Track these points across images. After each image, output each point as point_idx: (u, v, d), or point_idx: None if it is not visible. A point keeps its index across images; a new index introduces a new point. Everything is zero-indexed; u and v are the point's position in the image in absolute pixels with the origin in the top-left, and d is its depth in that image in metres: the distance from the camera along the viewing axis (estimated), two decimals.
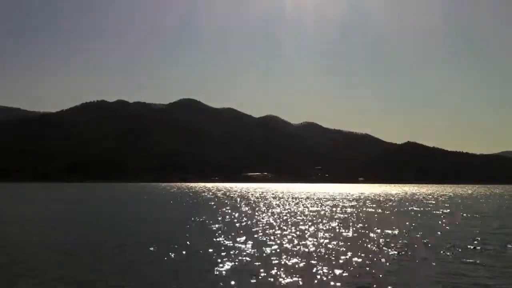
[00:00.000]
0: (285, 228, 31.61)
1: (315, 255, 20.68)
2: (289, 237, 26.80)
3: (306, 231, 29.60)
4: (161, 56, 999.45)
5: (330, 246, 23.46)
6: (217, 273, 17.15)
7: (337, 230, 30.35)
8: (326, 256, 20.56)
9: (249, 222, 35.73)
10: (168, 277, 16.56)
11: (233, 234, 28.05)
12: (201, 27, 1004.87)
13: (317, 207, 56.05)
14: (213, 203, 65.95)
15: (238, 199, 77.30)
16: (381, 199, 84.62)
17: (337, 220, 37.97)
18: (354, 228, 31.82)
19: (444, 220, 39.49)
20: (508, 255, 21.28)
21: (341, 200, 76.33)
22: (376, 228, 31.70)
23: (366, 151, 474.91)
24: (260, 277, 16.41)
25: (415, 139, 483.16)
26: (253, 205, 60.56)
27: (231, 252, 21.35)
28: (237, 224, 34.16)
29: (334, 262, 19.04)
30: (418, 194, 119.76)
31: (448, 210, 52.94)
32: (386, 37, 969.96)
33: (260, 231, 29.84)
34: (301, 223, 35.39)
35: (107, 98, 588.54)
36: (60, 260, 19.67)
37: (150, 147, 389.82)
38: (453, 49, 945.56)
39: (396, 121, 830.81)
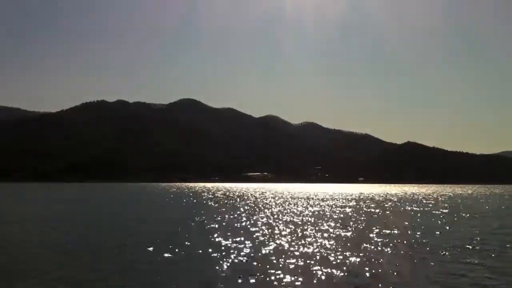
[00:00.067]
0: (284, 228, 31.62)
1: (314, 255, 20.69)
2: (288, 237, 26.82)
3: (305, 231, 29.61)
4: (161, 56, 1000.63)
5: (329, 246, 23.48)
6: (217, 273, 17.17)
7: (337, 230, 30.37)
8: (325, 256, 20.58)
9: (248, 222, 35.75)
10: (168, 277, 16.58)
11: (232, 234, 28.06)
12: (201, 27, 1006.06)
13: (317, 207, 56.06)
14: (212, 203, 65.96)
15: (238, 199, 77.32)
16: (381, 199, 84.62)
17: (337, 220, 37.99)
18: (353, 228, 31.84)
19: (443, 220, 39.51)
20: (508, 255, 21.29)
21: (340, 200, 76.33)
22: (375, 228, 31.72)
23: (366, 151, 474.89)
24: (259, 277, 16.42)
25: (415, 139, 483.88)
26: (253, 205, 60.57)
27: (231, 252, 21.37)
28: (237, 224, 34.18)
29: (333, 262, 19.06)
30: (418, 194, 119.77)
31: (448, 210, 52.95)
32: (386, 37, 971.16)
33: (259, 231, 29.86)
34: (300, 223, 35.40)
35: (107, 98, 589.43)
36: (60, 260, 19.69)
37: (150, 147, 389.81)
38: (453, 49, 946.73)
39: (396, 121, 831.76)
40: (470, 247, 23.57)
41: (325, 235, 27.90)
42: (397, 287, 15.32)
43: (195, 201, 72.91)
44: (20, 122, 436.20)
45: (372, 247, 23.36)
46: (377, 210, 51.82)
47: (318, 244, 24.07)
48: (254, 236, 27.27)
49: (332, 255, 20.83)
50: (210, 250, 21.92)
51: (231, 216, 41.56)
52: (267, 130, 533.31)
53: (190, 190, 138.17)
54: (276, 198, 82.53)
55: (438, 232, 29.98)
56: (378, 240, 25.91)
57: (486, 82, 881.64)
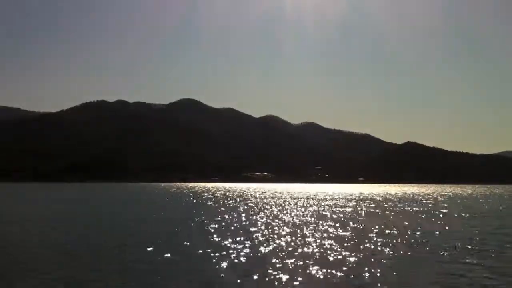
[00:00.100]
0: (284, 228, 31.64)
1: (313, 255, 20.72)
2: (288, 237, 26.84)
3: (305, 231, 29.63)
4: (161, 56, 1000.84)
5: (328, 246, 23.50)
6: (217, 273, 17.19)
7: (336, 230, 30.39)
8: (325, 256, 20.60)
9: (248, 222, 35.77)
10: (168, 277, 16.61)
11: (232, 234, 28.09)
12: (201, 27, 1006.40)
13: (316, 207, 56.08)
14: (212, 203, 65.99)
15: (238, 199, 77.34)
16: (381, 199, 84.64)
17: (336, 220, 38.01)
18: (353, 228, 31.85)
19: (443, 220, 39.53)
20: (507, 256, 21.30)
21: (340, 200, 76.36)
22: (375, 228, 31.75)
23: (366, 151, 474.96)
24: (259, 277, 16.45)
25: (415, 139, 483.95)
26: (252, 205, 60.59)
27: (230, 252, 21.40)
28: (236, 224, 34.20)
29: (332, 262, 19.08)
30: (418, 194, 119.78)
31: (447, 210, 52.97)
32: (386, 37, 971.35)
33: (259, 231, 29.89)
34: (300, 223, 35.43)
35: (107, 98, 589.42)
36: (60, 260, 19.71)
37: (150, 147, 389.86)
38: (453, 49, 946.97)
39: (396, 121, 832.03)
40: (470, 247, 23.59)
41: (325, 235, 27.92)
42: (397, 287, 15.35)
43: (195, 201, 72.94)
44: (20, 122, 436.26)
45: (372, 247, 23.38)
46: (377, 210, 51.84)
47: (318, 244, 24.09)
48: (254, 236, 27.30)
49: (332, 255, 20.86)
50: (209, 250, 21.95)
51: (231, 216, 41.58)
52: (267, 130, 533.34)
53: (190, 190, 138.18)
54: (276, 198, 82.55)
55: (437, 232, 30.00)
56: (378, 240, 25.93)
57: (486, 82, 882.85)
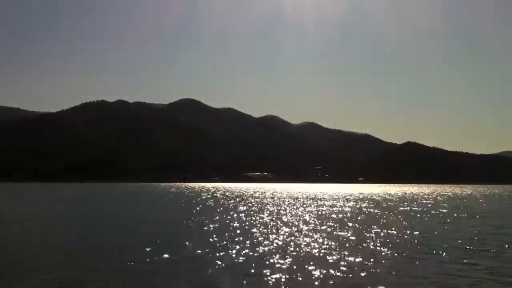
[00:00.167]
0: (283, 228, 31.66)
1: (312, 255, 20.75)
2: (287, 237, 26.86)
3: (304, 231, 29.65)
4: (161, 56, 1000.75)
5: (328, 246, 23.52)
6: (216, 273, 17.22)
7: (336, 230, 30.41)
8: (324, 256, 20.63)
9: (247, 223, 35.79)
10: (167, 277, 16.63)
11: (231, 234, 28.12)
12: (201, 27, 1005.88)
13: (316, 207, 56.10)
14: (212, 203, 66.01)
15: (237, 199, 77.37)
16: (381, 199, 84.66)
17: (336, 220, 38.03)
18: (352, 228, 31.87)
19: (442, 220, 39.55)
20: (507, 256, 21.33)
21: (340, 200, 76.38)
22: (374, 228, 31.77)
23: (366, 151, 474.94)
24: (259, 277, 16.48)
25: (415, 139, 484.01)
26: (252, 205, 60.60)
27: (230, 252, 21.43)
28: (236, 225, 34.22)
29: (331, 262, 19.10)
30: (417, 194, 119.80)
31: (447, 210, 52.99)
32: (386, 37, 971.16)
33: (258, 231, 29.91)
34: (299, 223, 35.44)
35: (107, 98, 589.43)
36: (60, 260, 19.74)
37: (150, 147, 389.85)
38: (453, 49, 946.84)
39: (396, 121, 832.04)
40: (469, 247, 23.61)
41: (324, 235, 27.94)
42: (396, 287, 15.37)
43: (194, 201, 72.97)
44: (20, 122, 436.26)
45: (371, 247, 23.41)
46: (377, 210, 51.86)
47: (317, 244, 24.11)
48: (253, 236, 27.32)
49: (331, 255, 20.88)
50: (209, 250, 21.97)
51: (230, 216, 41.61)
52: (267, 130, 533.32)
53: (190, 190, 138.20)
54: (276, 198, 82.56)
55: (437, 232, 30.02)
56: (377, 240, 25.95)
57: (486, 82, 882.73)
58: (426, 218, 41.84)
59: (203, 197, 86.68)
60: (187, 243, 24.30)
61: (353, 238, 26.78)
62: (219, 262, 19.12)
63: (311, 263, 18.92)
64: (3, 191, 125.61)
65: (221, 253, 21.10)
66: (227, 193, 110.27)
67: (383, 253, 21.60)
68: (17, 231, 30.49)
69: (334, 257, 20.27)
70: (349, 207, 58.03)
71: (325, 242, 24.74)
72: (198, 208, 54.22)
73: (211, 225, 33.54)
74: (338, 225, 34.18)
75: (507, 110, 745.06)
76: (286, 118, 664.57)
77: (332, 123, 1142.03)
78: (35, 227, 33.24)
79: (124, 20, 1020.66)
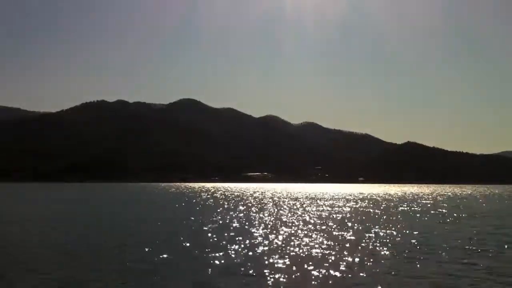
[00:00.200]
0: (283, 228, 31.67)
1: (312, 255, 20.77)
2: (287, 237, 26.87)
3: (304, 231, 29.67)
4: (161, 56, 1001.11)
5: (327, 246, 23.54)
6: (216, 273, 17.24)
7: (335, 230, 30.43)
8: (323, 256, 20.65)
9: (247, 223, 35.81)
10: (167, 277, 16.65)
11: (231, 234, 28.14)
12: (201, 27, 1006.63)
13: (315, 207, 56.12)
14: (212, 203, 66.03)
15: (237, 199, 77.39)
16: (380, 199, 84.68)
17: (335, 220, 38.05)
18: (351, 228, 31.89)
19: (442, 220, 39.56)
20: (506, 256, 21.34)
21: (340, 200, 76.39)
22: (374, 228, 31.80)
23: (366, 151, 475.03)
24: (258, 277, 16.49)
25: (415, 139, 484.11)
26: (251, 205, 60.62)
27: (229, 252, 21.45)
28: (236, 225, 34.24)
29: (331, 262, 19.12)
30: (417, 194, 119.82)
31: (447, 210, 53.00)
32: (386, 37, 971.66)
33: (258, 231, 29.93)
34: (299, 223, 35.46)
35: (107, 98, 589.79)
36: (60, 260, 19.76)
37: (150, 147, 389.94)
38: (453, 49, 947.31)
39: (396, 121, 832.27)
40: (469, 247, 23.63)
41: (324, 235, 27.96)
42: (396, 287, 15.39)
43: (194, 201, 72.99)
44: (20, 122, 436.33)
45: (371, 247, 23.42)
46: (376, 210, 51.88)
47: (317, 244, 24.13)
48: (253, 236, 27.35)
49: (331, 255, 20.90)
50: (209, 250, 21.99)
51: (230, 216, 41.62)
52: (267, 130, 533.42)
53: (190, 190, 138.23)
54: (275, 198, 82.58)
55: (436, 232, 30.03)
56: (377, 240, 25.97)
57: (486, 82, 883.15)
58: (426, 218, 41.86)
59: (203, 197, 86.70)
60: (187, 243, 24.32)
61: (353, 238, 26.80)
62: (219, 262, 19.14)
63: (311, 263, 18.94)
64: (3, 191, 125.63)
65: (221, 253, 21.12)
66: (227, 193, 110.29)
67: (382, 253, 21.62)
68: (17, 231, 30.51)
69: (334, 257, 20.28)
70: (349, 207, 58.05)
71: (325, 242, 24.76)
72: (198, 208, 54.25)
73: (211, 225, 33.56)
74: (338, 225, 34.19)
75: (507, 110, 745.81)
76: (286, 118, 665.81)
77: (332, 123, 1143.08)
78: (35, 227, 33.26)
79: (124, 20, 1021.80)
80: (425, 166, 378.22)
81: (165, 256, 20.51)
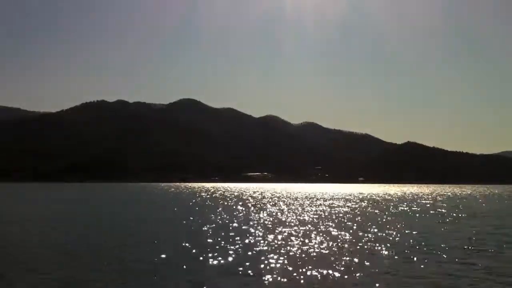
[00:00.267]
0: (282, 228, 31.68)
1: (311, 255, 20.79)
2: (286, 237, 26.89)
3: (303, 232, 29.68)
4: (161, 56, 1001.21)
5: (326, 246, 23.56)
6: (216, 273, 17.26)
7: (334, 230, 30.44)
8: (322, 256, 20.67)
9: (247, 223, 35.82)
10: (167, 277, 16.67)
11: (231, 234, 28.16)
12: (201, 27, 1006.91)
13: (315, 207, 56.14)
14: (211, 203, 66.05)
15: (237, 199, 77.41)
16: (380, 199, 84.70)
17: (335, 220, 38.06)
18: (351, 228, 31.90)
19: (441, 220, 39.58)
20: (506, 256, 21.36)
21: (340, 200, 76.41)
22: (373, 228, 31.82)
23: (366, 151, 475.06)
24: (258, 277, 16.52)
25: (415, 139, 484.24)
26: (251, 205, 60.64)
27: (229, 252, 21.47)
28: (235, 224, 34.26)
29: (330, 262, 19.14)
30: (417, 194, 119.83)
31: (446, 210, 53.02)
32: (386, 37, 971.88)
33: (258, 231, 29.95)
34: (298, 223, 35.48)
35: (107, 98, 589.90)
36: (60, 260, 19.78)
37: (150, 147, 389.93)
38: (453, 49, 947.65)
39: (396, 121, 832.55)
40: (468, 247, 23.65)
41: (323, 235, 27.97)
42: (395, 287, 15.41)
43: (194, 201, 73.02)
44: (20, 122, 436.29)
45: (370, 247, 23.44)
46: (376, 210, 51.90)
47: (316, 244, 24.15)
48: (253, 236, 27.37)
49: (330, 255, 20.92)
50: (209, 250, 22.02)
51: (230, 216, 41.64)
52: (267, 130, 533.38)
53: (189, 190, 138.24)
54: (275, 198, 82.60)
55: (436, 232, 30.04)
56: (376, 240, 25.98)
57: (486, 82, 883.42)
58: (425, 218, 41.87)
59: (203, 197, 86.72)
60: (187, 243, 24.34)
61: (352, 238, 26.82)
62: (218, 262, 19.17)
63: (310, 263, 18.96)
64: (3, 191, 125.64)
65: (221, 253, 21.14)
66: (226, 193, 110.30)
67: (382, 253, 21.64)
68: (17, 231, 30.53)
69: (333, 257, 20.31)
70: (348, 207, 58.07)
71: (324, 242, 24.79)
72: (197, 208, 54.27)
73: (210, 225, 33.57)
74: (337, 225, 34.22)
75: (507, 110, 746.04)
76: (286, 118, 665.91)
77: (332, 123, 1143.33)
78: (35, 227, 33.28)
79: (124, 20, 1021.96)
80: (425, 166, 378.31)
81: (165, 256, 20.53)
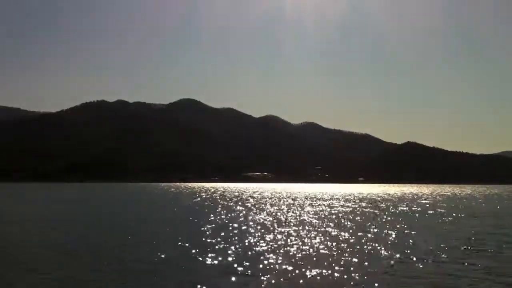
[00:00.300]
0: (282, 228, 31.69)
1: (310, 255, 20.80)
2: (285, 237, 26.89)
3: (303, 232, 29.70)
4: (161, 56, 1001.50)
5: (325, 246, 23.57)
6: (216, 273, 17.27)
7: (334, 230, 30.45)
8: (322, 256, 20.68)
9: (246, 223, 35.83)
10: (167, 277, 16.68)
11: (230, 234, 28.18)
12: (201, 27, 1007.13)
13: (314, 207, 56.14)
14: (211, 203, 66.06)
15: (236, 199, 77.41)
16: (380, 199, 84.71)
17: (334, 220, 38.07)
18: (350, 228, 31.91)
19: (441, 220, 39.58)
20: (505, 256, 21.37)
21: (339, 200, 76.42)
22: (372, 228, 31.83)
23: (366, 151, 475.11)
24: (257, 277, 16.53)
25: (415, 139, 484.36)
26: (251, 205, 60.65)
27: (229, 252, 21.48)
28: (235, 224, 34.26)
29: (329, 262, 19.15)
30: (417, 194, 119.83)
31: (446, 210, 53.03)
32: (386, 37, 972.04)
33: (257, 231, 29.95)
34: (298, 223, 35.49)
35: (107, 98, 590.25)
36: (60, 260, 19.80)
37: (150, 147, 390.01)
38: (453, 49, 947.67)
39: (396, 121, 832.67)
40: (468, 247, 23.66)
41: (322, 235, 27.98)
42: (394, 287, 15.43)
43: (194, 201, 73.03)
44: (20, 122, 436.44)
45: (369, 247, 23.44)
46: (376, 210, 51.91)
47: (316, 244, 24.16)
48: (252, 236, 27.38)
49: (329, 255, 20.93)
50: (208, 250, 22.03)
51: (230, 216, 41.65)
52: (267, 130, 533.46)
53: (189, 190, 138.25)
54: (275, 198, 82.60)
55: (435, 232, 30.05)
56: (375, 240, 25.98)
57: (486, 82, 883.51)
58: (425, 218, 41.88)
59: (203, 197, 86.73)
60: (186, 243, 24.35)
61: (352, 238, 26.83)
62: (218, 262, 19.18)
63: (310, 263, 18.97)
64: (3, 191, 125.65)
65: (220, 253, 21.15)
66: (226, 193, 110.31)
67: (381, 253, 21.64)
68: (17, 231, 30.54)
69: (332, 257, 20.32)
70: (348, 207, 58.08)
71: (324, 242, 24.79)
72: (197, 208, 54.28)
73: (210, 225, 33.58)
74: (336, 225, 34.23)
75: (507, 110, 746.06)
76: (286, 118, 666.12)
77: (332, 123, 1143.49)
78: (35, 227, 33.29)
79: (124, 20, 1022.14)
80: (425, 166, 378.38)
81: (165, 256, 20.54)
